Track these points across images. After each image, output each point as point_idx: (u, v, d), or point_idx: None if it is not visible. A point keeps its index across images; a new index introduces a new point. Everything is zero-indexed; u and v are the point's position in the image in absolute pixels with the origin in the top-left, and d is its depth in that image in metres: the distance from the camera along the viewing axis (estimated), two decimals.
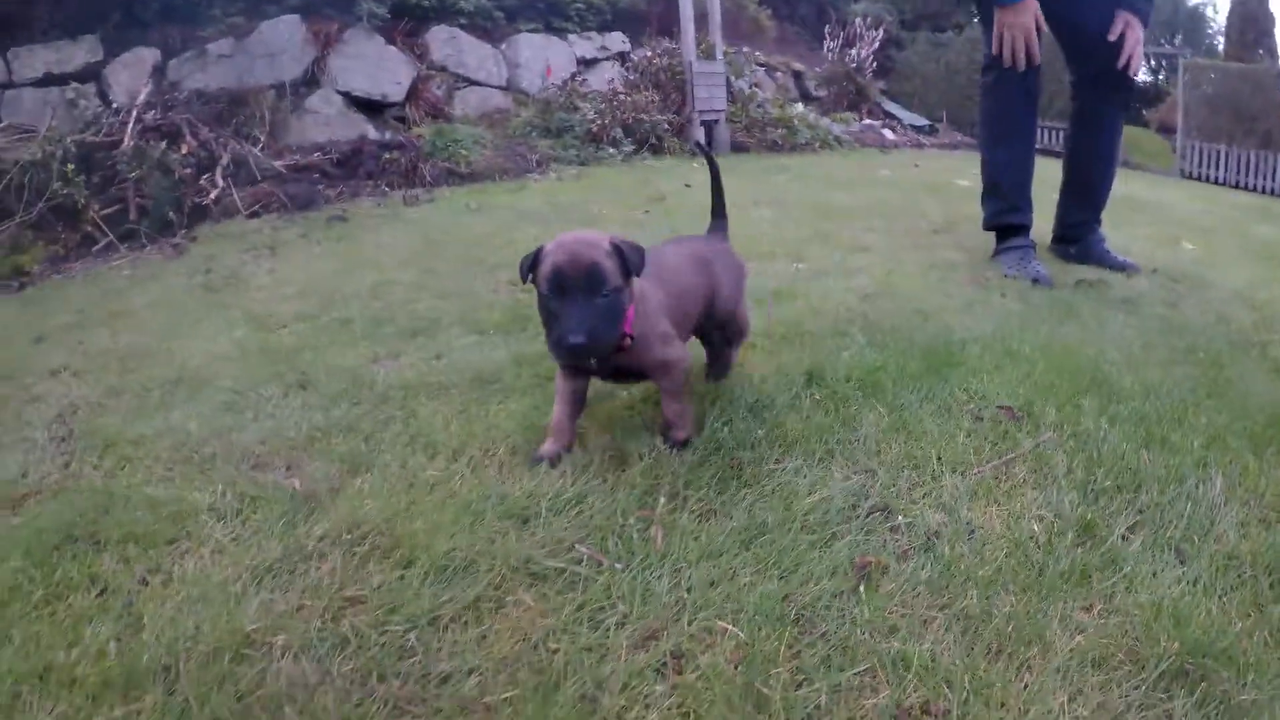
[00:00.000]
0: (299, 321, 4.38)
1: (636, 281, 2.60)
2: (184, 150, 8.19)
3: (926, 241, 5.98)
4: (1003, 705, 1.65)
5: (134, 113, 8.37)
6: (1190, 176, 18.25)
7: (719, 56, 13.19)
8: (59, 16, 9.47)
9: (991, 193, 5.38)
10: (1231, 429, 2.82)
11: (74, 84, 9.08)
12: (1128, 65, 4.89)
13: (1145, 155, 19.49)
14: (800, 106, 15.44)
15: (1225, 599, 1.97)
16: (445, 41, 12.04)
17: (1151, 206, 8.97)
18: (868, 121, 17.22)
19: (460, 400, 3.15)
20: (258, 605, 2.03)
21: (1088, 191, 5.42)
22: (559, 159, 10.47)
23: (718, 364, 3.24)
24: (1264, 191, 16.85)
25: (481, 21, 12.59)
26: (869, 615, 1.89)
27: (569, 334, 2.34)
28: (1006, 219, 5.29)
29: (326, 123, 10.17)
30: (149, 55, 9.70)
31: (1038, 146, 5.47)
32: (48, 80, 9.22)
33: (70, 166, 7.38)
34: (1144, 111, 24.58)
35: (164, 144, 8.02)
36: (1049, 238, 5.61)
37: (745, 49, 16.59)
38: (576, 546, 2.18)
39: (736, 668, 1.75)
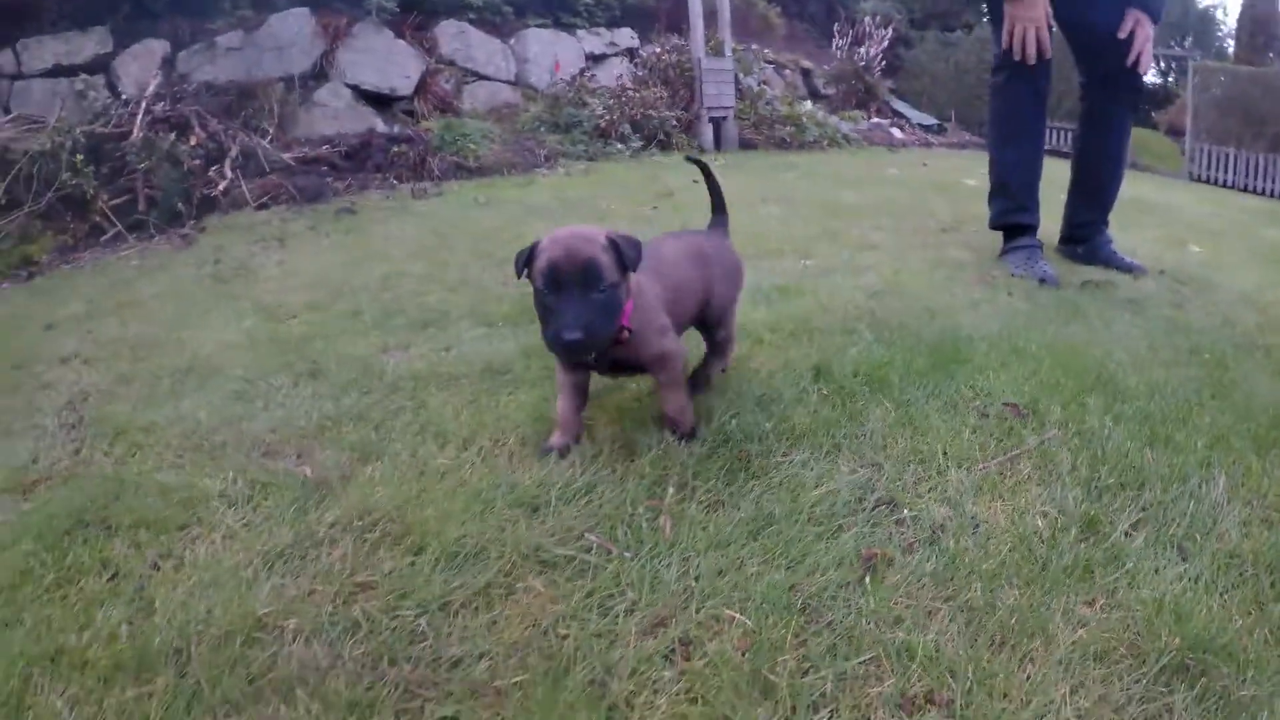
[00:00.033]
0: (309, 312, 4.41)
1: (634, 274, 2.58)
2: (193, 142, 8.20)
3: (934, 240, 5.99)
4: (1005, 695, 1.66)
5: (143, 104, 8.39)
6: (1199, 179, 18.18)
7: (728, 53, 13.20)
8: (68, 8, 9.46)
9: (999, 192, 5.39)
10: (1235, 430, 2.83)
11: (83, 75, 9.09)
12: (1137, 65, 4.90)
13: (1154, 157, 19.44)
14: (809, 104, 15.44)
15: (1226, 596, 1.99)
16: (454, 36, 12.05)
17: (1159, 208, 8.98)
18: (876, 120, 17.21)
19: (470, 391, 3.17)
20: (269, 590, 2.05)
21: (1095, 192, 5.42)
22: (567, 154, 10.48)
23: (700, 374, 3.14)
24: (1273, 195, 16.75)
25: (490, 16, 12.60)
26: (874, 606, 1.91)
27: (564, 330, 2.33)
28: (1014, 218, 5.30)
29: (335, 116, 10.19)
30: (158, 47, 9.69)
31: (1046, 147, 5.48)
32: (57, 71, 9.21)
33: (79, 157, 7.39)
34: (1153, 114, 24.50)
35: (173, 135, 8.03)
36: (1056, 238, 5.61)
37: (754, 46, 16.59)
38: (586, 535, 2.20)
39: (744, 655, 1.77)
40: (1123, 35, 4.77)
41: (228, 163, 8.23)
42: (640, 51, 14.04)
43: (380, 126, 10.29)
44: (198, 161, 8.02)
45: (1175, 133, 22.02)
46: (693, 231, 3.26)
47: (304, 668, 1.79)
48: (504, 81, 12.46)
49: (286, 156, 8.74)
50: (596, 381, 2.87)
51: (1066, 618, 1.89)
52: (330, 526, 2.31)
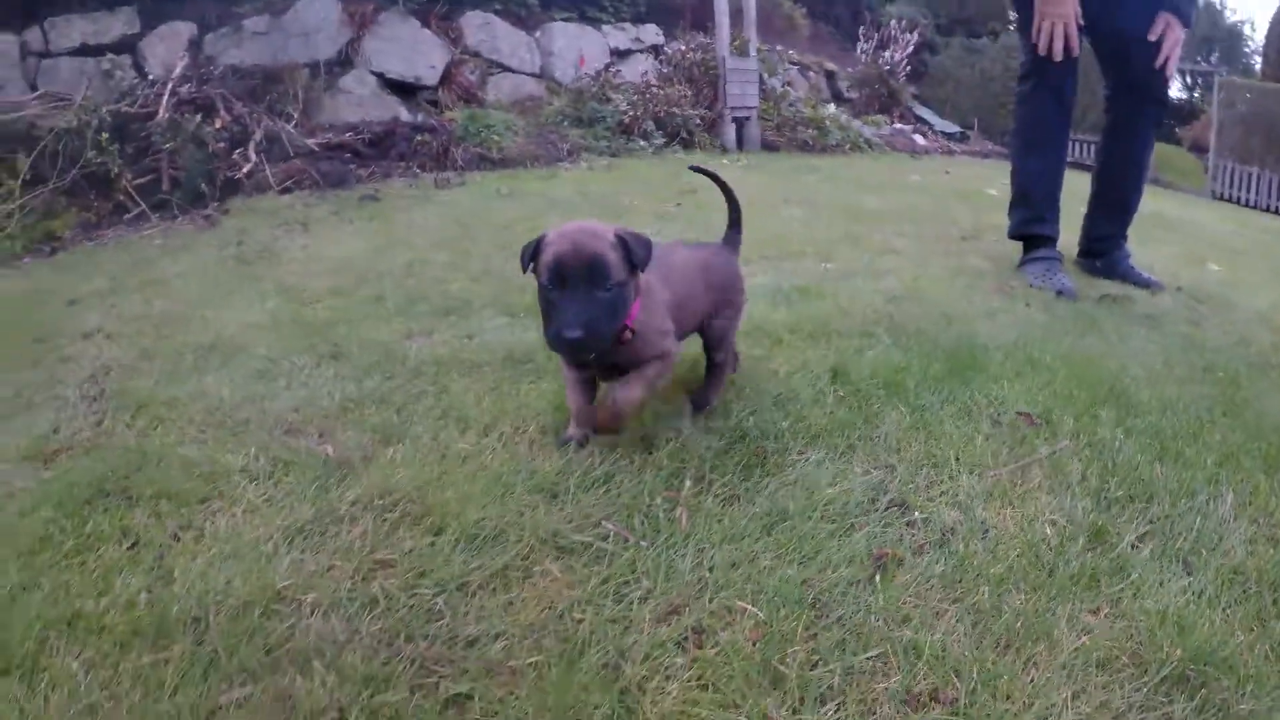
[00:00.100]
0: (332, 296, 4.44)
1: (644, 275, 2.55)
2: (218, 124, 8.25)
3: (955, 248, 6.01)
4: (1009, 697, 1.69)
5: (169, 85, 8.45)
6: (1221, 198, 18.12)
7: (753, 53, 13.20)
8: None
9: (1020, 202, 5.40)
10: (1245, 448, 2.83)
11: (110, 55, 9.14)
12: (1164, 72, 4.91)
13: (1176, 174, 19.39)
14: (832, 107, 15.43)
15: (1229, 611, 2.00)
16: (480, 27, 12.09)
17: (1180, 225, 8.97)
18: (899, 125, 17.21)
19: (492, 378, 3.20)
20: (288, 564, 2.09)
21: (1116, 205, 5.42)
22: (590, 149, 10.50)
23: (700, 394, 3.00)
24: None
25: (516, 8, 12.64)
26: (883, 604, 1.94)
27: (565, 328, 2.28)
28: (1033, 229, 5.30)
29: (359, 103, 10.23)
30: (185, 29, 9.75)
31: (1068, 159, 5.49)
32: (84, 50, 9.27)
33: (105, 136, 7.45)
34: (1177, 129, 24.44)
35: (198, 117, 8.09)
36: (1075, 251, 5.62)
37: (779, 47, 16.59)
38: (603, 523, 2.23)
39: (755, 645, 1.80)
40: (1153, 38, 4.77)
41: (252, 146, 8.28)
42: (665, 48, 14.06)
43: (404, 115, 10.34)
44: (222, 144, 8.08)
45: (1199, 149, 21.96)
46: (705, 245, 3.21)
47: (321, 640, 1.82)
48: (528, 74, 12.51)
49: (310, 142, 8.79)
50: None
51: (1071, 624, 1.91)
52: (351, 504, 2.35)
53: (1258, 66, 28.60)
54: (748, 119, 12.68)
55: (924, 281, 4.83)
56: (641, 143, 11.09)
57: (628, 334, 2.49)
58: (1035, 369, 3.38)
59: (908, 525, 2.29)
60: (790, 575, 2.02)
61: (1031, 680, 1.74)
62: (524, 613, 1.92)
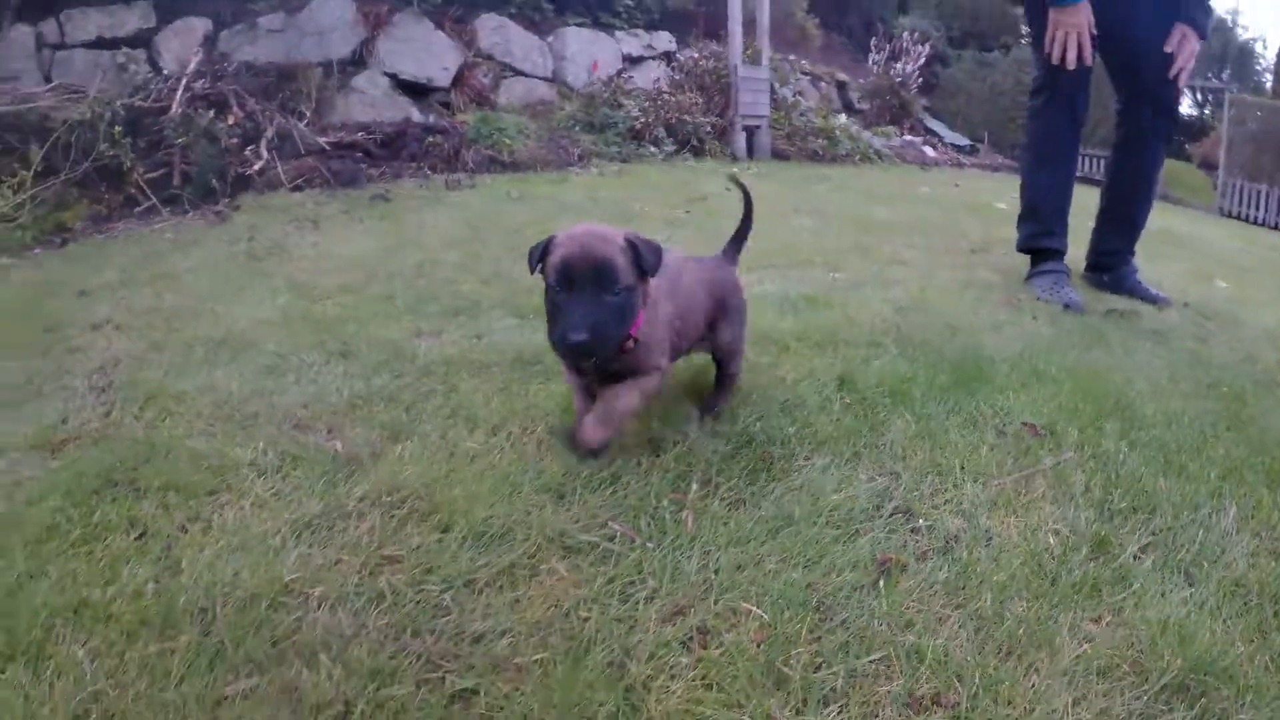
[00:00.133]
0: (342, 294, 4.46)
1: (652, 284, 2.52)
2: (230, 120, 8.28)
3: (963, 260, 6.02)
4: (1010, 702, 1.70)
5: (183, 80, 8.47)
6: (1230, 215, 18.10)
7: (765, 62, 13.22)
8: None
9: (1029, 215, 5.41)
10: (1249, 463, 2.84)
11: (125, 49, 9.18)
12: (1176, 88, 4.96)
13: (1186, 190, 19.38)
14: (843, 118, 15.45)
15: (1230, 623, 2.01)
16: (493, 30, 12.11)
17: (1188, 241, 8.96)
18: (909, 137, 17.20)
19: (501, 379, 3.22)
20: (296, 557, 2.11)
21: (1125, 221, 5.43)
22: (600, 154, 10.52)
23: (709, 401, 3.01)
24: None
25: (530, 12, 12.66)
26: (887, 608, 1.95)
27: (570, 331, 2.23)
28: (1042, 242, 5.32)
29: (372, 103, 10.26)
30: (200, 25, 9.78)
31: (1077, 174, 5.50)
32: (99, 43, 9.30)
33: (118, 129, 7.47)
34: (1187, 145, 24.41)
35: (211, 113, 8.11)
36: (1082, 265, 5.62)
37: (791, 57, 16.62)
38: (610, 523, 2.25)
39: (759, 646, 1.81)
40: (1169, 49, 4.80)
41: (264, 143, 8.31)
42: (678, 56, 14.09)
43: (416, 116, 10.36)
44: (234, 140, 8.12)
45: (1208, 166, 21.94)
46: (706, 260, 3.12)
47: (328, 634, 1.84)
48: (540, 78, 12.52)
49: (322, 140, 8.82)
50: None
51: (1073, 632, 1.92)
52: (359, 500, 2.36)
53: (1268, 84, 28.60)
54: (758, 127, 12.70)
55: (932, 293, 4.85)
56: (652, 149, 11.11)
57: (630, 343, 2.45)
58: (1041, 381, 3.39)
59: (912, 532, 2.30)
60: (795, 579, 2.03)
61: (1033, 686, 1.75)
62: (530, 610, 1.93)
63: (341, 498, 2.38)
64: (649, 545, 2.16)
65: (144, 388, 3.19)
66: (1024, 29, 23.21)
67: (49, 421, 2.93)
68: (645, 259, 2.38)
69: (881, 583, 2.05)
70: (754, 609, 1.93)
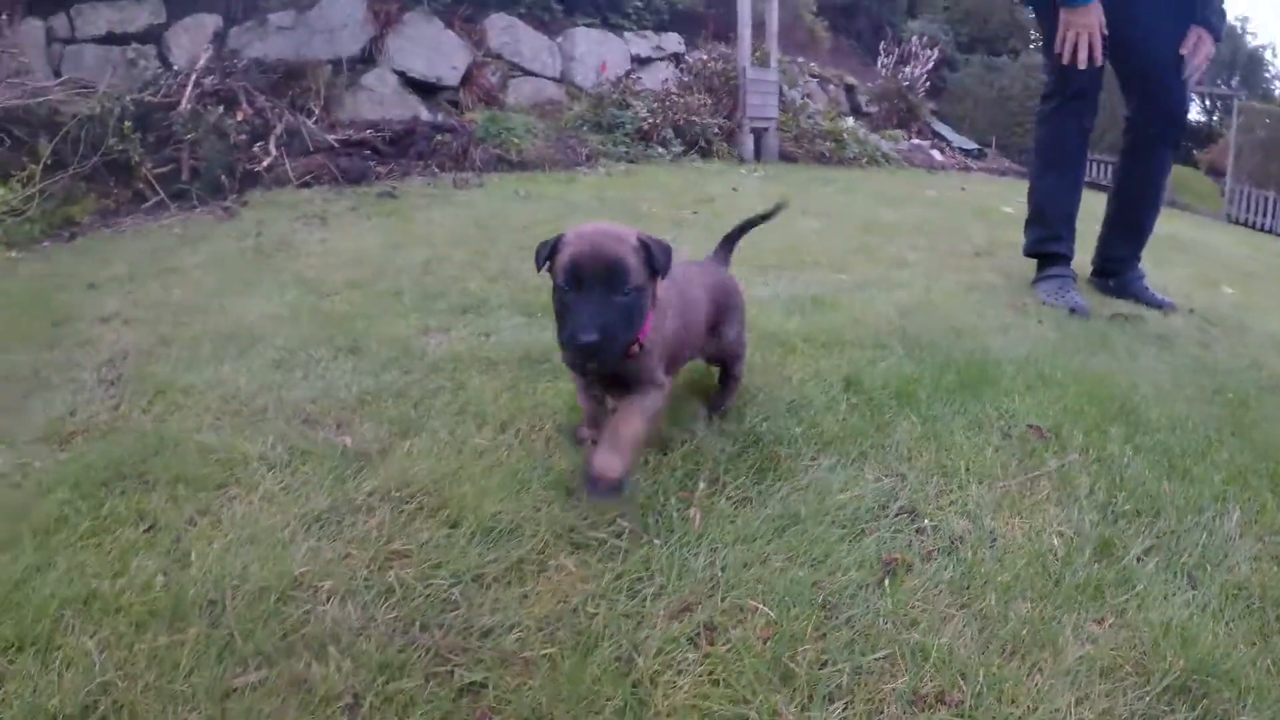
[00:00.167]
0: (350, 290, 4.48)
1: (661, 292, 2.46)
2: (239, 117, 8.32)
3: (968, 264, 6.02)
4: (1013, 701, 1.71)
5: (193, 76, 8.51)
6: (1237, 222, 18.06)
7: (773, 65, 13.24)
8: None
9: (1036, 220, 5.42)
10: (1253, 468, 2.84)
11: (135, 44, 9.22)
12: (1185, 94, 4.98)
13: (1193, 196, 19.34)
14: (850, 121, 15.46)
15: (1232, 626, 2.02)
16: (503, 29, 12.14)
17: (1194, 247, 8.95)
18: (916, 141, 17.20)
19: (509, 376, 3.24)
20: (305, 551, 2.12)
21: (1131, 226, 5.43)
22: (608, 154, 10.54)
23: (716, 401, 3.03)
24: None
25: (539, 12, 12.69)
26: (892, 607, 1.96)
27: (580, 331, 2.15)
28: (1048, 247, 5.32)
29: (380, 101, 10.29)
30: (210, 21, 9.82)
31: (1085, 179, 5.50)
32: (109, 39, 9.34)
33: (127, 124, 7.49)
34: (1194, 152, 24.37)
35: (220, 109, 8.14)
36: (1088, 270, 5.63)
37: (800, 59, 16.65)
38: (618, 520, 2.26)
39: (765, 643, 1.83)
40: (1185, 52, 4.81)
41: (272, 139, 8.35)
42: (686, 57, 14.11)
43: (425, 115, 10.39)
44: (243, 136, 8.16)
45: (1216, 173, 21.89)
46: (705, 265, 3.12)
47: (337, 627, 1.85)
48: (549, 78, 12.55)
49: (330, 138, 8.84)
50: None
51: (1076, 633, 1.93)
52: (368, 495, 2.38)
53: (1277, 92, 28.54)
54: (766, 130, 12.71)
55: (937, 295, 4.86)
56: (660, 150, 11.12)
57: (636, 348, 2.38)
58: (1046, 384, 3.40)
59: (917, 532, 2.32)
60: (801, 577, 2.04)
61: (1036, 685, 1.76)
62: (538, 605, 1.95)
63: (350, 492, 2.39)
64: (656, 542, 2.17)
65: (152, 381, 3.21)
66: (1033, 34, 23.26)
67: (57, 413, 2.95)
68: (657, 259, 2.31)
69: (887, 582, 2.06)
70: (760, 606, 1.94)
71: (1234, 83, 29.78)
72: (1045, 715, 1.69)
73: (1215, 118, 27.86)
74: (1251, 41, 32.42)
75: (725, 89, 12.68)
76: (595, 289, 2.21)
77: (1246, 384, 3.76)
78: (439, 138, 9.35)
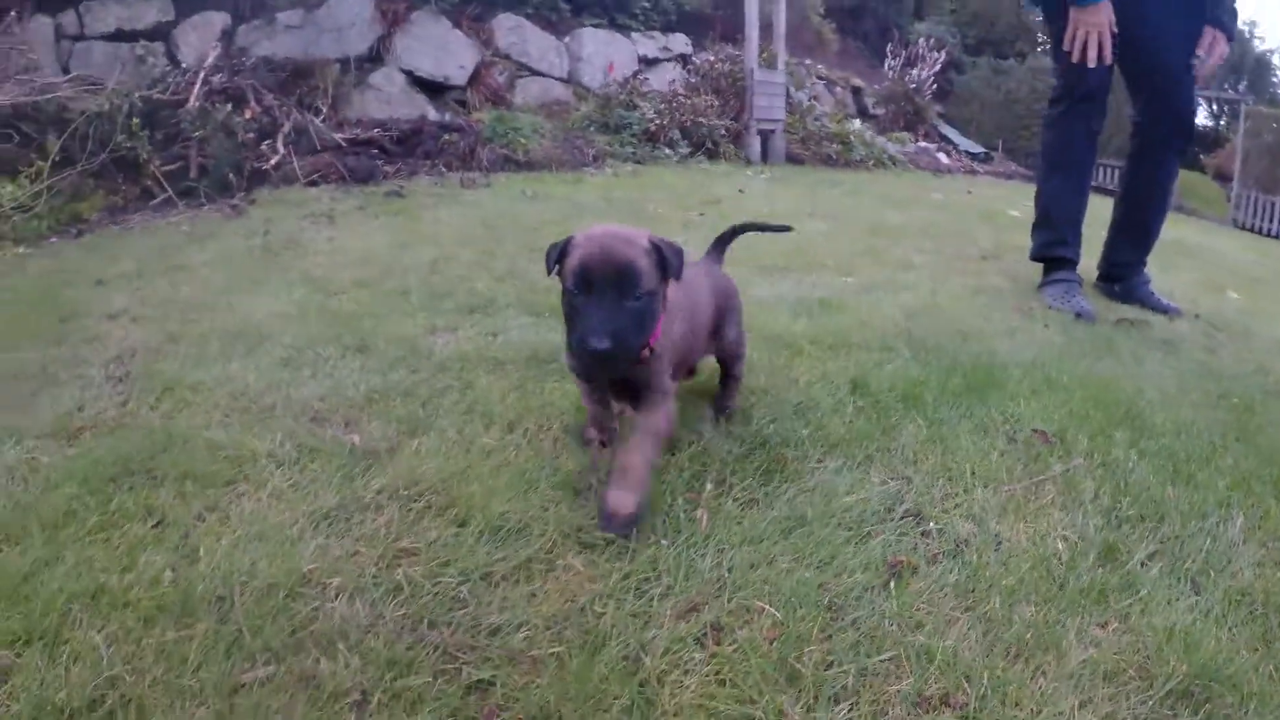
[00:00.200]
0: (357, 289, 4.49)
1: (672, 297, 2.42)
2: (247, 115, 8.35)
3: (974, 266, 6.04)
4: (1017, 704, 1.72)
5: (201, 74, 8.54)
6: (1243, 227, 18.01)
7: (780, 66, 13.23)
8: None
9: (1043, 224, 5.43)
10: (1257, 474, 2.85)
11: (143, 41, 9.23)
12: (1192, 100, 5.04)
13: (1199, 201, 19.30)
14: (857, 123, 15.45)
15: (1235, 631, 2.03)
16: (510, 29, 12.15)
17: (1201, 252, 8.95)
18: (923, 144, 17.19)
19: (516, 376, 3.25)
20: (314, 548, 2.13)
21: (1138, 231, 5.44)
22: (615, 155, 10.54)
23: (720, 403, 3.02)
24: None
25: (547, 12, 12.70)
26: (897, 609, 1.97)
27: (590, 336, 2.10)
28: (1055, 251, 5.33)
29: (388, 100, 10.31)
30: (219, 19, 9.84)
31: (1092, 184, 5.51)
32: (118, 36, 9.35)
33: (135, 121, 7.51)
34: (1201, 157, 24.33)
35: (228, 107, 8.16)
36: (1094, 274, 5.64)
37: (807, 61, 16.65)
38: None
39: (772, 644, 1.84)
40: (1202, 52, 4.84)
41: (280, 138, 8.37)
42: (694, 58, 14.12)
43: (432, 114, 10.41)
44: (251, 134, 8.18)
45: (1223, 178, 21.82)
46: (704, 263, 3.08)
47: (346, 624, 1.86)
48: (556, 78, 12.56)
49: (338, 136, 8.86)
50: None
51: (1080, 637, 1.94)
52: (376, 493, 2.39)
53: None
54: (773, 131, 12.72)
55: (943, 298, 4.87)
56: (667, 151, 11.13)
57: (647, 353, 2.33)
58: (1052, 388, 3.41)
59: (923, 535, 2.32)
60: (807, 578, 2.05)
61: (1040, 689, 1.77)
62: (546, 604, 1.96)
63: (359, 490, 2.41)
64: (664, 543, 2.18)
65: (160, 378, 3.23)
66: (1040, 37, 23.24)
67: (65, 409, 2.96)
68: (670, 263, 2.27)
69: (892, 584, 2.07)
70: (767, 607, 1.95)
71: (1241, 87, 29.73)
72: (1049, 718, 1.70)
73: (1222, 122, 27.80)
74: (1259, 46, 32.35)
75: (732, 90, 12.68)
76: (606, 293, 2.16)
77: (1252, 389, 3.77)
78: (446, 137, 9.36)
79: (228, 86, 8.62)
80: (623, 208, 7.33)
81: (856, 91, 18.41)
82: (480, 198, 7.69)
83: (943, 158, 16.63)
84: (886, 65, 18.62)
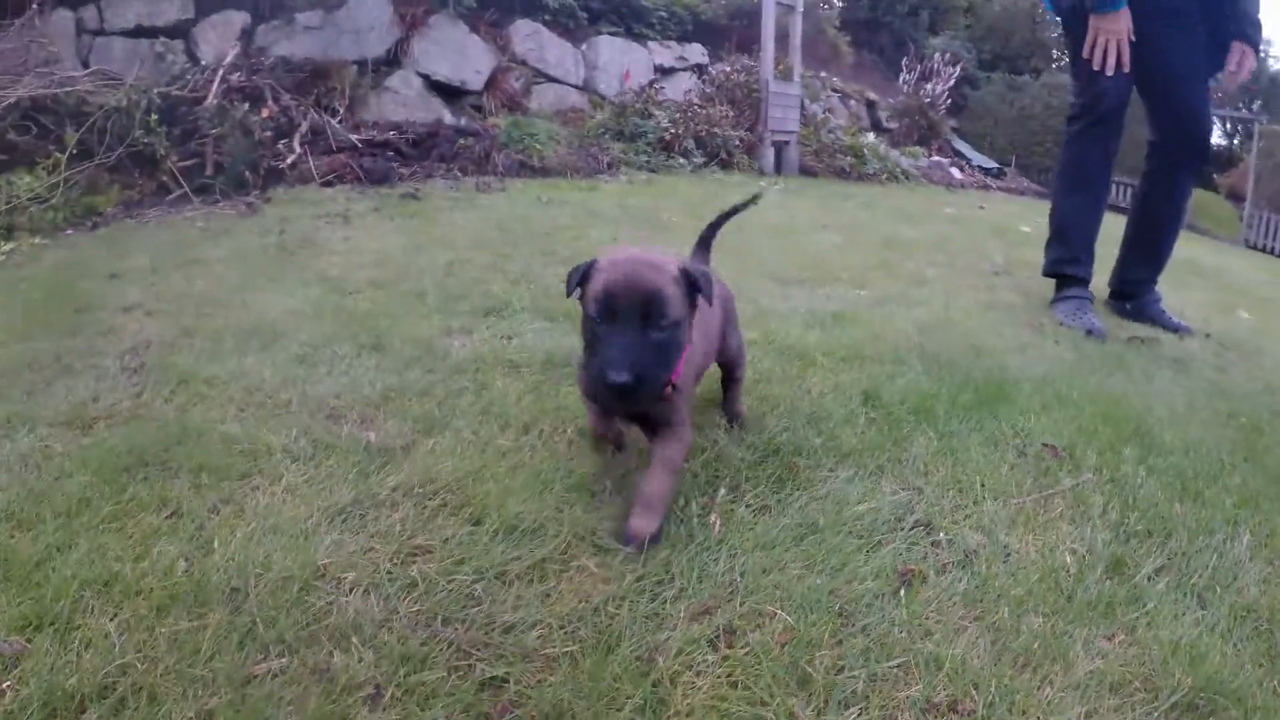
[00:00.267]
0: (372, 289, 4.52)
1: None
2: (265, 114, 8.39)
3: (986, 282, 6.05)
4: (1024, 712, 1.74)
5: (220, 72, 8.58)
6: (1255, 247, 17.96)
7: (796, 78, 13.24)
8: None
9: (1057, 241, 5.43)
10: (1264, 493, 2.86)
11: (163, 38, 9.24)
12: (1208, 123, 5.10)
13: (1212, 220, 19.25)
14: (871, 136, 15.47)
15: (1240, 646, 2.04)
16: (528, 36, 12.17)
17: (1212, 272, 8.94)
18: (936, 158, 17.17)
19: (531, 379, 3.28)
20: (329, 543, 2.15)
21: (1150, 250, 5.46)
22: (629, 163, 10.56)
23: (729, 409, 3.01)
24: None
25: (564, 20, 12.70)
26: (907, 617, 1.99)
27: (610, 369, 1.99)
28: (1067, 269, 5.34)
29: (405, 103, 10.33)
30: (238, 18, 9.85)
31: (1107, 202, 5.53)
32: (138, 32, 9.36)
33: (153, 117, 7.57)
34: (1215, 176, 24.27)
35: (246, 106, 8.21)
36: (1106, 291, 5.65)
37: (822, 74, 16.65)
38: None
39: (783, 648, 1.86)
40: (1231, 68, 4.88)
41: (297, 137, 8.41)
42: (709, 68, 14.10)
43: (448, 118, 10.43)
44: (268, 133, 8.22)
45: (1235, 198, 21.74)
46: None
47: (360, 618, 1.88)
48: (572, 85, 12.57)
49: (354, 138, 8.89)
50: None
51: (1087, 648, 1.95)
52: (391, 490, 2.42)
53: None
54: (787, 143, 12.72)
55: (956, 313, 4.89)
56: (681, 160, 11.13)
57: (670, 389, 2.24)
58: (1062, 404, 3.42)
59: (932, 545, 2.34)
60: (818, 584, 2.07)
61: (1047, 698, 1.78)
62: (560, 604, 1.98)
63: (374, 487, 2.43)
64: (677, 546, 2.20)
65: (175, 371, 3.26)
66: (1055, 53, 23.21)
67: (80, 399, 3.00)
68: (704, 292, 2.19)
69: (902, 592, 2.09)
70: (778, 611, 1.97)
71: (1255, 106, 29.63)
72: None
73: (1236, 142, 27.72)
74: (1274, 65, 32.21)
75: (747, 101, 12.68)
76: (630, 322, 2.05)
77: (1260, 409, 3.78)
78: (462, 141, 9.39)
79: (246, 85, 8.66)
80: (637, 216, 7.31)
81: (871, 105, 18.41)
82: (495, 202, 7.71)
83: (956, 172, 16.62)
84: (901, 79, 18.59)
